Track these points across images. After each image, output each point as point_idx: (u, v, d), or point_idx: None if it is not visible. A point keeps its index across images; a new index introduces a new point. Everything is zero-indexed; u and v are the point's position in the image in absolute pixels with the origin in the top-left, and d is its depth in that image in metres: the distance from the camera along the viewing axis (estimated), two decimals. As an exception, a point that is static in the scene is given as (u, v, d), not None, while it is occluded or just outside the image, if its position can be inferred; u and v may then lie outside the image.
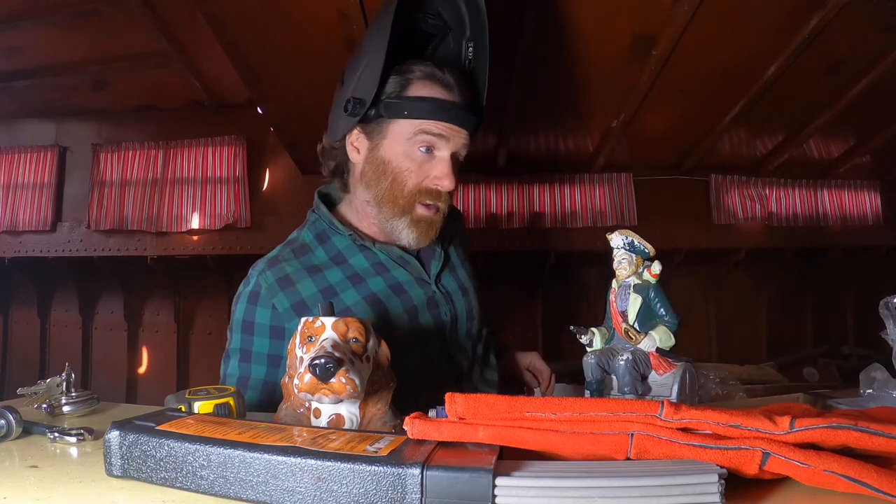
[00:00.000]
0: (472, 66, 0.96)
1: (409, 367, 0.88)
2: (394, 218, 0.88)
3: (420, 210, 0.87)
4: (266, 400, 0.84)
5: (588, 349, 0.66)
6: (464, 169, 0.93)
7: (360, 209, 0.94)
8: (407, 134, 0.85)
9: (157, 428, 0.43)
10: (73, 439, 0.56)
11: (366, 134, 0.89)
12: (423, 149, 0.85)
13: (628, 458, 0.40)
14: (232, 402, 0.59)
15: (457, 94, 0.87)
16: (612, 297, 0.65)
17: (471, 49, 0.95)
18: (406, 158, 0.86)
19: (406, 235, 0.88)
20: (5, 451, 0.54)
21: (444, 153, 0.86)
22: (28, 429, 0.58)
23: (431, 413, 0.53)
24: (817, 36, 1.62)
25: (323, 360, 0.48)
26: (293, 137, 2.35)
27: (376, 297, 0.88)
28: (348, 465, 0.37)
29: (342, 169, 0.95)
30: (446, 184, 0.86)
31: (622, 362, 0.60)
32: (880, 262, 2.94)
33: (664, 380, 0.61)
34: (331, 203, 0.99)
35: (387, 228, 0.90)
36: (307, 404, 0.53)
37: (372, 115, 0.87)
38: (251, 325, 0.87)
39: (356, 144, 0.90)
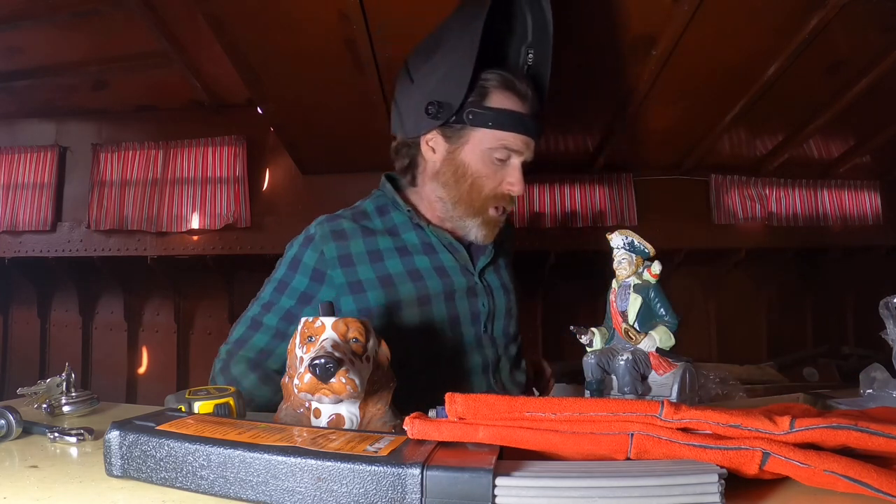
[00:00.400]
0: (531, 71, 1.01)
1: (441, 349, 0.92)
2: (467, 217, 0.94)
3: (491, 212, 0.94)
4: (282, 329, 0.89)
5: (588, 349, 0.66)
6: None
7: (430, 202, 0.99)
8: (489, 143, 0.91)
9: (157, 428, 0.43)
10: (73, 439, 0.56)
11: (444, 137, 0.94)
12: (499, 157, 0.92)
13: (628, 458, 0.40)
14: (232, 402, 0.59)
15: (529, 104, 0.92)
16: (612, 297, 0.65)
17: (531, 55, 1.01)
18: (484, 165, 0.92)
19: (476, 233, 0.95)
20: (5, 451, 0.54)
21: (516, 161, 0.92)
22: (28, 429, 0.58)
23: (431, 413, 0.53)
24: (817, 36, 1.62)
25: (323, 360, 0.48)
26: (293, 137, 2.35)
27: (419, 272, 0.92)
28: (348, 465, 0.37)
29: (413, 164, 0.99)
30: (517, 189, 0.93)
31: (622, 362, 0.60)
32: (880, 262, 2.94)
33: (664, 380, 0.61)
34: (396, 187, 1.04)
35: (458, 225, 0.96)
36: (307, 404, 0.53)
37: (452, 120, 0.92)
38: (298, 262, 0.93)
39: (432, 144, 0.95)
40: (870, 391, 0.63)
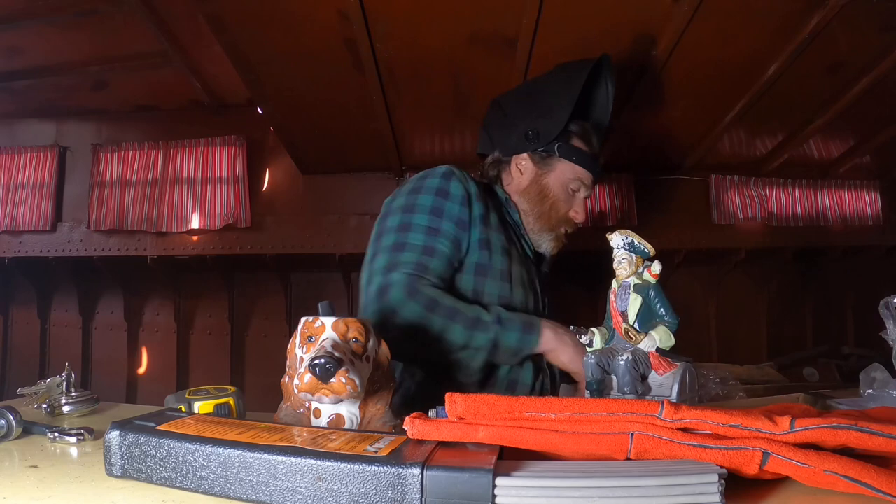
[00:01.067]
0: (598, 129, 1.26)
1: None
2: (543, 231, 1.15)
3: (560, 231, 1.16)
4: (452, 258, 0.99)
5: (588, 349, 0.66)
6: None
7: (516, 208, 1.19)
8: (570, 174, 1.14)
9: (157, 428, 0.43)
10: (73, 439, 0.56)
11: (533, 161, 1.15)
12: (573, 188, 1.14)
13: (628, 458, 0.40)
14: (232, 402, 0.59)
15: (594, 149, 1.17)
16: (612, 297, 0.65)
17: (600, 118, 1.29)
18: (562, 191, 1.13)
19: (547, 246, 1.16)
20: (5, 451, 0.54)
21: (582, 195, 1.15)
22: (28, 429, 0.58)
23: (431, 413, 0.53)
24: (817, 36, 1.62)
25: (323, 360, 0.48)
26: (293, 137, 2.35)
27: (497, 246, 1.04)
28: (348, 465, 0.37)
29: (499, 177, 1.20)
30: (580, 218, 1.16)
31: (622, 362, 0.60)
32: (880, 262, 2.94)
33: (664, 380, 0.61)
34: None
35: (534, 237, 1.16)
36: (307, 404, 0.53)
37: (542, 149, 1.14)
38: (445, 191, 1.02)
39: (521, 166, 1.16)
40: (870, 391, 0.63)
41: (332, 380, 0.48)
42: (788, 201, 2.85)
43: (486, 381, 1.00)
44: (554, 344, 0.95)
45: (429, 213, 0.99)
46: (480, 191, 1.07)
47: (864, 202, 2.90)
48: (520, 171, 1.16)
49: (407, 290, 0.91)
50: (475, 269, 1.00)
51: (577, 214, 1.15)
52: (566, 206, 1.14)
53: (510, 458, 0.39)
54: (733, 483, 0.36)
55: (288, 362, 0.57)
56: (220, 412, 0.58)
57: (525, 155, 1.15)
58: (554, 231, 1.15)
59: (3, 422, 0.56)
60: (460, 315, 0.91)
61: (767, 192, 2.83)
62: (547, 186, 1.14)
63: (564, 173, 1.13)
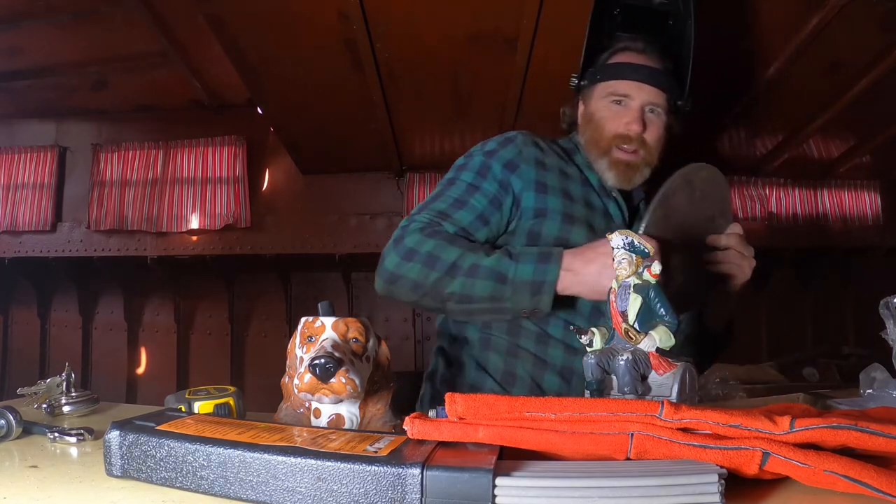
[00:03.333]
0: (671, 31, 1.15)
1: None
2: (598, 158, 1.04)
3: (617, 153, 1.02)
4: (486, 214, 0.96)
5: (588, 349, 0.66)
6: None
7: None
8: (602, 93, 1.05)
9: (157, 428, 0.43)
10: (73, 439, 0.55)
11: (582, 100, 1.11)
12: (615, 102, 1.03)
13: (628, 458, 0.40)
14: (232, 402, 0.59)
15: (646, 58, 1.04)
16: (612, 297, 0.65)
17: (671, 23, 1.17)
18: (603, 110, 1.04)
19: (608, 175, 1.03)
20: (5, 451, 0.54)
21: (634, 103, 1.03)
22: (28, 429, 0.58)
23: (431, 413, 0.53)
24: (817, 36, 1.62)
25: (323, 360, 0.48)
26: (293, 137, 2.35)
27: (556, 188, 1.01)
28: (348, 465, 0.37)
29: (574, 127, 1.15)
30: (634, 128, 1.01)
31: (622, 362, 0.60)
32: (880, 262, 2.94)
33: (664, 380, 0.61)
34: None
35: (597, 169, 1.06)
36: (307, 404, 0.53)
37: (584, 84, 1.09)
38: (494, 153, 1.01)
39: (580, 110, 1.12)
40: (870, 391, 0.63)
41: (332, 380, 0.48)
42: (788, 201, 2.85)
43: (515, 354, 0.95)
44: (577, 266, 0.83)
45: (475, 172, 0.99)
46: (545, 148, 1.05)
47: (864, 202, 2.90)
48: (578, 115, 1.13)
49: (419, 227, 0.91)
50: (533, 214, 0.97)
51: (629, 124, 1.02)
52: (612, 123, 1.03)
53: (510, 458, 0.39)
54: (733, 483, 0.36)
55: (288, 362, 0.57)
56: (220, 412, 0.58)
57: (578, 99, 1.12)
58: (607, 155, 1.03)
59: (3, 422, 0.56)
60: (471, 253, 0.87)
61: (767, 192, 2.83)
62: (589, 114, 1.08)
63: (599, 94, 1.06)
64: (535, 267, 0.84)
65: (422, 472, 0.36)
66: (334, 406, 0.52)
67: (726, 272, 0.91)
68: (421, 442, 0.41)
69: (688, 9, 1.13)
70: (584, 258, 0.83)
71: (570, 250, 0.85)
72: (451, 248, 0.87)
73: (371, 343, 0.55)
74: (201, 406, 0.58)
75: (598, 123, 1.04)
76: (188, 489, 0.41)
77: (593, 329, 0.67)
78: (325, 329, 0.52)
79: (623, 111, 1.03)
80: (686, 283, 0.86)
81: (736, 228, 0.90)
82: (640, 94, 1.03)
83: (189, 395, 0.60)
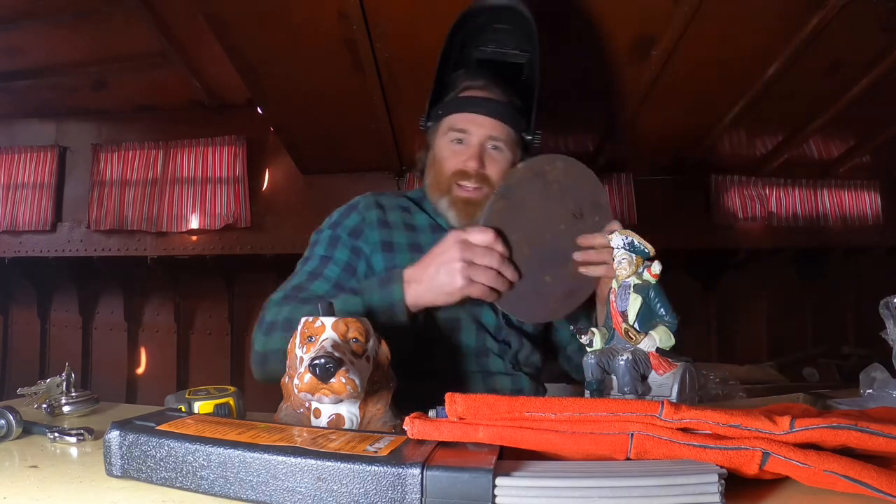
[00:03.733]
0: (514, 64, 1.13)
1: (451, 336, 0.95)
2: (439, 199, 1.02)
3: (456, 191, 0.99)
4: (342, 281, 0.95)
5: (588, 349, 0.66)
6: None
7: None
8: (443, 131, 1.03)
9: (157, 428, 0.43)
10: (73, 439, 0.56)
11: (430, 142, 1.08)
12: (456, 142, 1.01)
13: (628, 458, 0.40)
14: (232, 402, 0.59)
15: (487, 92, 1.02)
16: (612, 297, 0.65)
17: (513, 52, 1.14)
18: (444, 150, 1.02)
19: (449, 215, 1.01)
20: (5, 451, 0.54)
21: (472, 139, 0.99)
22: (28, 429, 0.58)
23: (431, 413, 0.53)
24: (817, 36, 1.62)
25: (323, 360, 0.48)
26: (293, 137, 2.35)
27: (403, 245, 1.00)
28: (348, 465, 0.37)
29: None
30: (472, 164, 0.97)
31: (622, 362, 0.60)
32: (880, 262, 2.94)
33: (664, 380, 0.61)
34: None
35: (439, 210, 1.03)
36: (307, 404, 0.53)
37: (430, 126, 1.07)
38: (339, 224, 1.01)
39: (430, 153, 1.08)
40: (870, 391, 0.63)
41: (332, 380, 0.48)
42: (788, 201, 2.85)
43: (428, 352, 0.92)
44: (417, 275, 0.81)
45: (326, 245, 0.99)
46: (388, 205, 1.04)
47: (864, 202, 2.91)
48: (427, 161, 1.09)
49: (277, 301, 0.90)
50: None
51: (466, 161, 0.97)
52: (452, 161, 1.00)
53: (510, 458, 0.39)
54: (733, 483, 0.36)
55: (288, 362, 0.57)
56: (220, 412, 0.58)
57: (428, 143, 1.09)
58: (447, 194, 0.99)
59: (3, 422, 0.56)
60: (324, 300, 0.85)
61: (767, 192, 2.83)
62: (433, 155, 1.05)
63: (441, 132, 1.03)
64: (380, 294, 0.83)
65: (422, 472, 0.36)
66: (334, 406, 0.52)
67: (598, 274, 0.80)
68: (421, 442, 0.41)
69: (534, 46, 1.09)
70: (421, 265, 0.81)
71: (411, 265, 0.83)
72: (305, 307, 0.85)
73: (371, 343, 0.55)
74: (201, 406, 0.58)
75: (440, 164, 1.02)
76: (188, 489, 0.41)
77: (593, 329, 0.67)
78: (325, 329, 0.53)
79: (462, 149, 1.00)
80: (546, 285, 0.81)
81: (614, 226, 0.76)
82: (479, 129, 0.99)
83: (189, 395, 0.60)
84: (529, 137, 1.03)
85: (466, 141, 1.00)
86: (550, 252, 0.80)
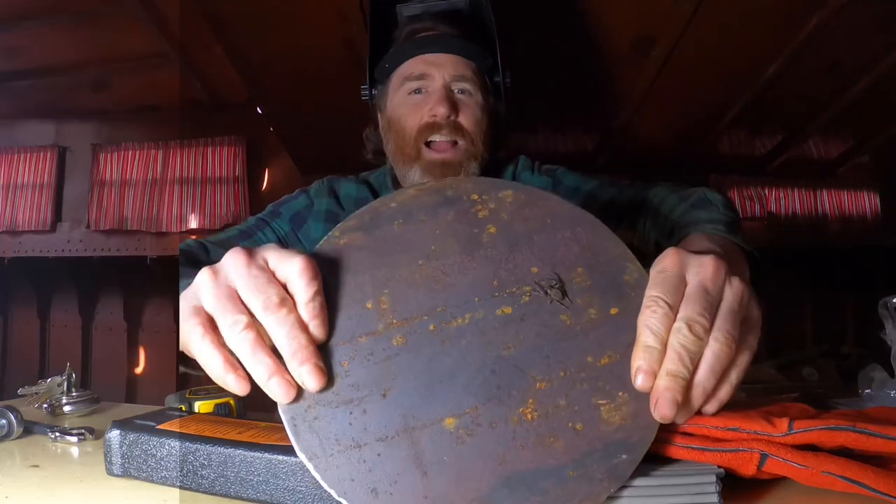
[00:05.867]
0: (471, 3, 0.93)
1: None
2: (408, 170, 0.82)
3: (428, 154, 0.81)
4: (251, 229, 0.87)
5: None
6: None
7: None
8: (395, 86, 0.84)
9: (158, 427, 0.43)
10: (74, 439, 0.56)
11: (380, 112, 0.90)
12: (413, 91, 0.82)
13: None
14: (232, 402, 0.59)
15: (438, 28, 0.85)
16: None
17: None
18: (402, 106, 0.83)
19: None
20: (6, 451, 0.54)
21: (433, 84, 0.81)
22: (29, 428, 0.59)
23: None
24: (817, 36, 1.62)
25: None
26: (293, 137, 2.35)
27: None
28: (348, 465, 0.37)
29: (380, 150, 0.93)
30: (441, 110, 0.79)
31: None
32: (880, 262, 2.94)
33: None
34: None
35: (409, 183, 0.83)
36: (307, 404, 0.53)
37: (376, 92, 0.89)
38: (283, 202, 0.95)
39: (380, 125, 0.90)
40: (868, 391, 0.63)
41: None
42: (788, 201, 2.85)
43: None
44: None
45: (267, 213, 0.93)
46: (346, 196, 0.93)
47: (864, 202, 2.90)
48: (382, 135, 0.91)
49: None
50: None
51: (432, 109, 0.79)
52: (414, 116, 0.81)
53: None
54: (731, 483, 0.36)
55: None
56: (221, 412, 0.58)
57: (377, 114, 0.91)
58: (417, 160, 0.81)
59: (4, 421, 0.56)
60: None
61: (767, 192, 2.83)
62: (388, 119, 0.86)
63: (394, 87, 0.84)
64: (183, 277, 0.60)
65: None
66: (334, 406, 0.52)
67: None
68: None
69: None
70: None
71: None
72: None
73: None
74: (201, 405, 0.58)
75: (398, 124, 0.82)
76: (188, 488, 0.41)
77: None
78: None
79: (424, 98, 0.81)
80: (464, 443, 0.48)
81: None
82: (440, 70, 0.81)
83: (189, 394, 0.60)
84: (498, 79, 0.87)
85: (427, 88, 0.82)
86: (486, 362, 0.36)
